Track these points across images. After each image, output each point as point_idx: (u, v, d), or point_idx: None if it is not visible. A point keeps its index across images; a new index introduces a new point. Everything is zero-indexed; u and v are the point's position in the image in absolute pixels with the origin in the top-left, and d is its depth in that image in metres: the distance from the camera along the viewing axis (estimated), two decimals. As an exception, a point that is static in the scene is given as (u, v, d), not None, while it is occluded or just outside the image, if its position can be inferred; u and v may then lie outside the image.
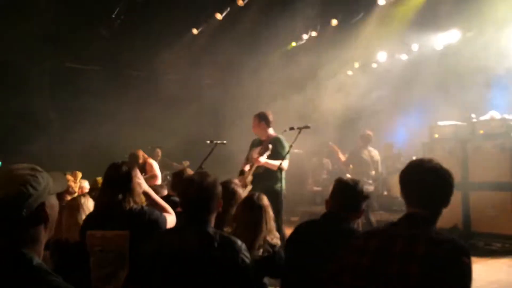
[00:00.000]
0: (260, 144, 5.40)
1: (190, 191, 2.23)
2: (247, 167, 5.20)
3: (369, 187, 6.92)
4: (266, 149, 5.14)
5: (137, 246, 2.47)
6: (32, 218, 1.34)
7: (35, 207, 1.34)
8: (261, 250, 2.72)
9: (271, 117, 5.43)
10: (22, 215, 1.31)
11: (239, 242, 2.16)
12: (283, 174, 5.18)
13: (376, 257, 1.79)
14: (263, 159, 5.05)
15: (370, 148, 7.68)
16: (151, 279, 2.12)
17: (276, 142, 5.23)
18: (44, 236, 1.39)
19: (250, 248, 2.63)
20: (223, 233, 2.27)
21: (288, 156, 5.13)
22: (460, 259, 1.67)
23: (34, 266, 1.30)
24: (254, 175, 5.08)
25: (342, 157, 8.00)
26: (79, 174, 6.15)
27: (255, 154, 5.22)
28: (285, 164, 5.08)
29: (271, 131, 5.41)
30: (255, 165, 5.10)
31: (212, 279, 2.04)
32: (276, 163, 5.02)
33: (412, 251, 1.70)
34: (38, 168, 1.41)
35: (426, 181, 1.90)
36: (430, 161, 1.96)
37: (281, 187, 5.04)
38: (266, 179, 4.96)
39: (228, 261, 2.08)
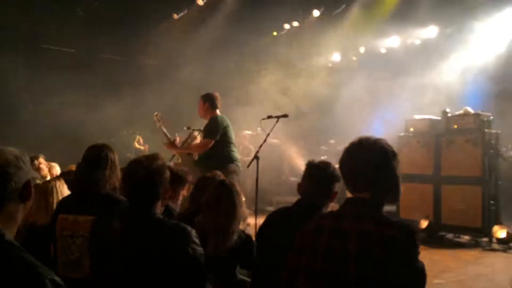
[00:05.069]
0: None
1: (137, 174, 2.05)
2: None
3: None
4: None
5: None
6: (18, 193, 1.33)
7: (23, 182, 1.34)
8: (235, 235, 2.60)
9: (217, 99, 5.14)
10: (12, 185, 1.30)
11: (189, 228, 2.05)
12: (233, 154, 5.04)
13: (328, 259, 1.66)
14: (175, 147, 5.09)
15: None
16: (108, 268, 2.01)
17: (210, 120, 5.06)
18: (20, 216, 1.37)
19: (226, 233, 2.56)
20: (172, 220, 2.15)
21: (216, 134, 4.93)
22: (414, 259, 1.59)
23: (6, 242, 1.26)
24: (200, 156, 5.06)
25: None
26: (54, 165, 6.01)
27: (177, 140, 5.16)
28: (205, 143, 4.96)
29: (217, 113, 5.13)
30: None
31: (162, 269, 1.94)
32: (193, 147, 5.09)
33: (363, 252, 1.59)
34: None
35: (360, 165, 1.73)
36: (366, 140, 1.77)
37: (226, 167, 4.77)
38: (212, 161, 4.76)
39: (178, 250, 1.97)
